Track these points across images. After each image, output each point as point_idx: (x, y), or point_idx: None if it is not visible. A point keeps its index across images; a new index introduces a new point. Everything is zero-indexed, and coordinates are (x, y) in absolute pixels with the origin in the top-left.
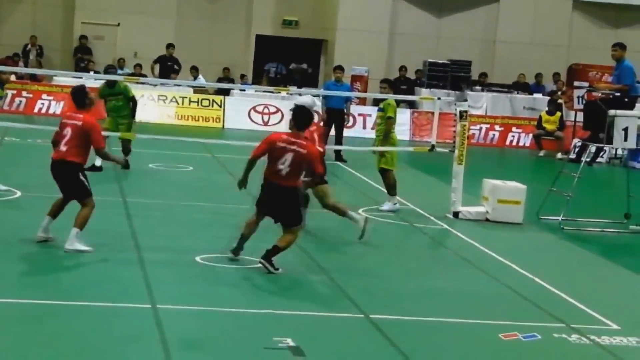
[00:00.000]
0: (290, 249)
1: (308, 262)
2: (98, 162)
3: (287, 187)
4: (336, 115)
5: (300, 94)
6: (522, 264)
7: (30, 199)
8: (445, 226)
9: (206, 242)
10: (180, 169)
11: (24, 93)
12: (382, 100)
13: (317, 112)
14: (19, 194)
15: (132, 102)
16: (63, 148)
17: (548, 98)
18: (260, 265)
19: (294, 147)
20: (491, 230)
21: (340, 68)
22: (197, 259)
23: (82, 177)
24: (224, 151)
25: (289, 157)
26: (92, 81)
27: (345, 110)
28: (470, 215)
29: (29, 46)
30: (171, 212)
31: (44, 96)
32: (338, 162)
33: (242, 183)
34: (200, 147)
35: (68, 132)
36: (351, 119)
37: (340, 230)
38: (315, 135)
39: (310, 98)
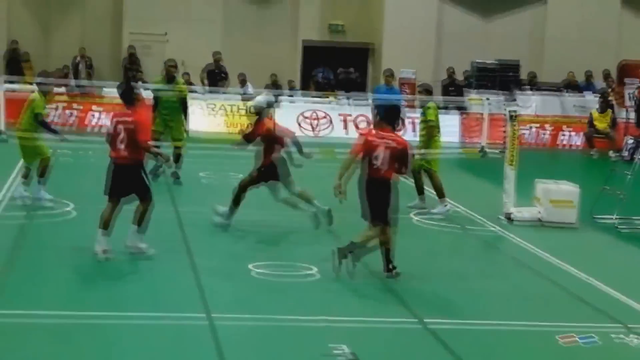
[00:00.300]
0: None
1: (360, 267)
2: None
3: (384, 180)
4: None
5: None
6: (577, 266)
7: (82, 212)
8: (498, 229)
9: (260, 250)
10: (231, 178)
11: (75, 106)
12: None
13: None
14: (72, 206)
15: (183, 104)
16: (120, 146)
17: (598, 96)
18: (387, 276)
19: (386, 141)
20: (545, 232)
21: (390, 72)
22: (251, 267)
23: (142, 174)
24: None
25: (381, 151)
26: (142, 92)
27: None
28: (523, 218)
29: (78, 58)
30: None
31: (94, 108)
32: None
33: (339, 189)
34: (250, 155)
35: (121, 130)
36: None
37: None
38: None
39: (264, 97)
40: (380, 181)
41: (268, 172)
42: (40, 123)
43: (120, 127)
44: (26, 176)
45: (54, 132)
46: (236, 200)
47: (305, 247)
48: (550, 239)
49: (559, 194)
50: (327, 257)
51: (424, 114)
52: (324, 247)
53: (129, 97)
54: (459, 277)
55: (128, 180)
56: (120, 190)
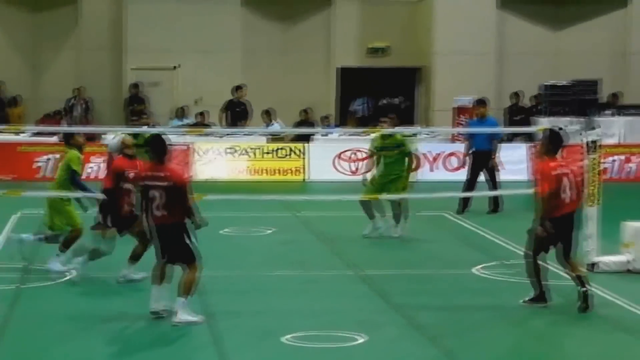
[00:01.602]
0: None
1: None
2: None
3: (572, 213)
4: (482, 158)
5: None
6: None
7: (83, 282)
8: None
9: (294, 318)
10: (258, 233)
11: (93, 158)
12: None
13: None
14: (74, 273)
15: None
16: (158, 213)
17: None
18: None
19: (568, 170)
20: (637, 282)
21: (481, 102)
22: (284, 339)
23: (187, 238)
24: (308, 208)
25: (566, 181)
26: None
27: (492, 152)
28: (610, 267)
29: (73, 100)
30: (251, 285)
31: (93, 158)
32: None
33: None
34: (279, 205)
35: (156, 195)
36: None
37: (444, 292)
38: None
39: (115, 140)
40: (572, 216)
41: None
42: (77, 183)
43: (155, 192)
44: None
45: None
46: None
47: (349, 313)
48: None
49: None
50: (378, 323)
51: (399, 146)
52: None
53: (161, 151)
54: (538, 340)
55: (171, 246)
56: (165, 254)
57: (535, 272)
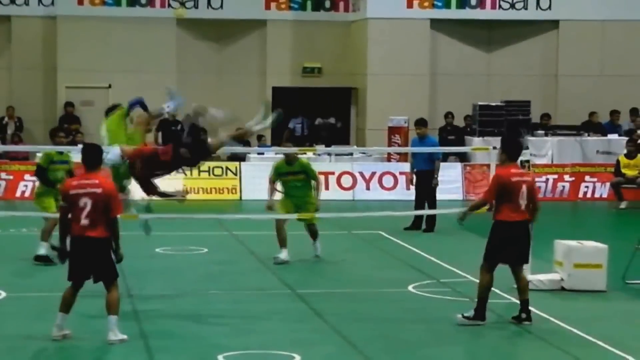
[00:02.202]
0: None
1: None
2: (42, 250)
3: (525, 222)
4: (424, 178)
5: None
6: (609, 341)
7: (17, 300)
8: (514, 300)
9: (230, 337)
10: (193, 252)
11: (3, 175)
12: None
13: None
14: (3, 294)
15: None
16: (85, 222)
17: (626, 139)
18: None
19: (526, 178)
20: (569, 300)
21: (421, 122)
22: (220, 359)
23: (112, 255)
24: (243, 227)
25: (524, 189)
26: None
27: (434, 172)
28: (542, 285)
29: (6, 119)
30: (187, 304)
31: (27, 177)
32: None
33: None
34: (214, 224)
35: (87, 203)
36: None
37: (378, 311)
38: None
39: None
40: (525, 223)
41: None
42: None
43: (85, 199)
44: None
45: None
46: None
47: (285, 332)
48: (575, 309)
49: (583, 256)
50: (314, 341)
51: (303, 172)
52: (307, 330)
53: (95, 159)
54: (472, 355)
55: (93, 262)
56: (83, 273)
57: (488, 289)
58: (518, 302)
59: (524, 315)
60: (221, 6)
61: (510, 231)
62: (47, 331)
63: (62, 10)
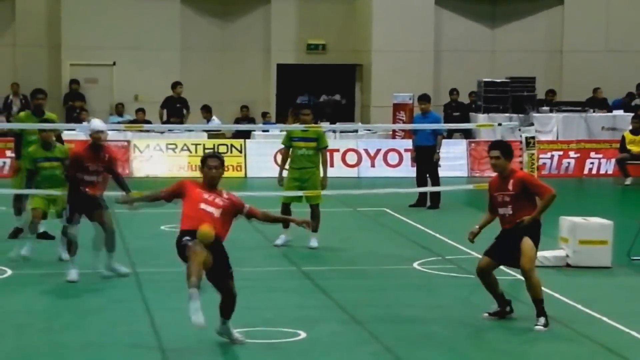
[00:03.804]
0: None
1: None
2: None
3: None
4: (425, 154)
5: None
6: (614, 317)
7: (23, 279)
8: (519, 276)
9: (235, 314)
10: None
11: (8, 153)
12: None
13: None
14: (9, 272)
15: None
16: None
17: (631, 114)
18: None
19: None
20: (574, 277)
21: (424, 98)
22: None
23: None
24: (248, 204)
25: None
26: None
27: (436, 147)
28: (547, 261)
29: (11, 96)
30: None
31: None
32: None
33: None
34: None
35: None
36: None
37: (383, 288)
38: None
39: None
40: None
41: None
42: None
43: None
44: None
45: None
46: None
47: (290, 309)
48: (580, 286)
49: (589, 232)
50: (319, 319)
51: (316, 139)
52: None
53: None
54: (474, 334)
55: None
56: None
57: (497, 284)
58: (514, 278)
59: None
60: None
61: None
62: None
63: None
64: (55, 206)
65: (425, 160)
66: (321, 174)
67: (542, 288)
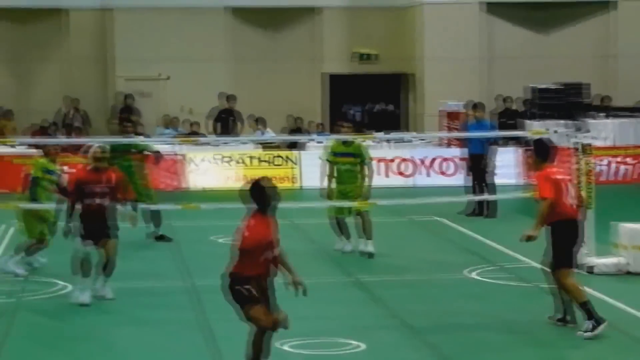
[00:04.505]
0: None
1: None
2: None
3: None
4: (479, 162)
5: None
6: None
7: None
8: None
9: (291, 325)
10: None
11: (65, 168)
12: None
13: None
14: (69, 287)
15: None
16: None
17: None
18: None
19: (568, 177)
20: (635, 284)
21: (477, 105)
22: (281, 346)
23: None
24: (303, 216)
25: (570, 187)
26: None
27: (486, 154)
28: (607, 269)
29: (72, 112)
30: None
31: None
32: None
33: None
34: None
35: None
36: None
37: (439, 298)
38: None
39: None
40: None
41: None
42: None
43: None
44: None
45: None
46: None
47: (346, 319)
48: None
49: None
50: (375, 329)
51: (357, 154)
52: (368, 317)
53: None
54: (533, 343)
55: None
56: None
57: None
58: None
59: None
60: None
61: (570, 229)
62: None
63: (117, 2)
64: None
65: (480, 168)
66: (365, 186)
67: (603, 295)
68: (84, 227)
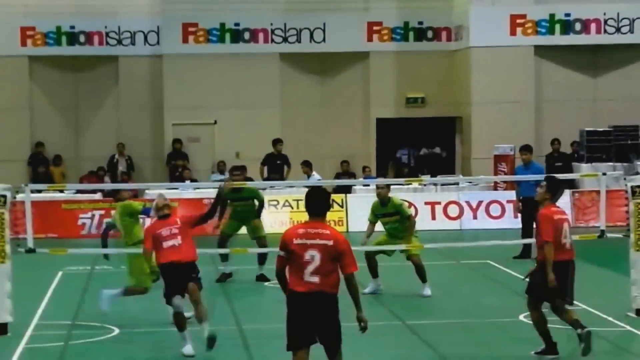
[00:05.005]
0: None
1: None
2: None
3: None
4: (530, 205)
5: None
6: None
7: (130, 337)
8: (628, 328)
9: None
10: None
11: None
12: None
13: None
14: (116, 331)
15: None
16: (313, 279)
17: None
18: None
19: (565, 216)
20: None
21: (526, 148)
22: None
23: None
24: None
25: (566, 227)
26: (190, 191)
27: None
28: None
29: (117, 156)
30: None
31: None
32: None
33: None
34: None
35: (315, 256)
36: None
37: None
38: None
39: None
40: (571, 261)
41: None
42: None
43: (314, 252)
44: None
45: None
46: None
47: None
48: None
49: None
50: None
51: (397, 212)
52: None
53: (324, 205)
54: None
55: (323, 322)
56: (310, 333)
57: (543, 323)
58: (632, 330)
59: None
60: (324, 39)
61: (556, 271)
62: None
63: (167, 49)
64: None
65: (531, 211)
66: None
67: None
68: (166, 283)
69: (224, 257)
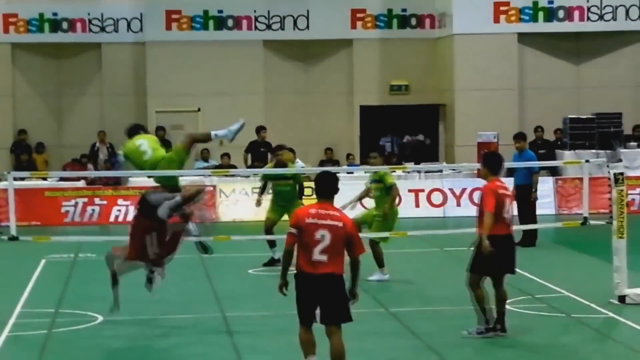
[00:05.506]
0: None
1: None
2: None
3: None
4: (524, 193)
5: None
6: None
7: (114, 325)
8: (611, 314)
9: (327, 357)
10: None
11: (97, 200)
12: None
13: None
14: (100, 319)
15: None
16: (322, 257)
17: None
18: None
19: (509, 192)
20: None
21: (520, 136)
22: None
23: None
24: None
25: (508, 202)
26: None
27: (532, 185)
28: (639, 299)
29: (97, 144)
30: (280, 324)
31: (120, 202)
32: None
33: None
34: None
35: (325, 236)
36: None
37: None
38: None
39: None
40: (510, 235)
41: None
42: None
43: (324, 232)
44: None
45: None
46: None
47: (381, 351)
48: None
49: None
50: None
51: (379, 180)
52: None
53: (332, 186)
54: None
55: (329, 302)
56: (311, 312)
57: (486, 299)
58: (615, 316)
59: (498, 327)
60: (307, 27)
61: (498, 245)
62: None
63: (150, 36)
64: None
65: (525, 198)
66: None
67: (636, 326)
68: None
69: (272, 244)
